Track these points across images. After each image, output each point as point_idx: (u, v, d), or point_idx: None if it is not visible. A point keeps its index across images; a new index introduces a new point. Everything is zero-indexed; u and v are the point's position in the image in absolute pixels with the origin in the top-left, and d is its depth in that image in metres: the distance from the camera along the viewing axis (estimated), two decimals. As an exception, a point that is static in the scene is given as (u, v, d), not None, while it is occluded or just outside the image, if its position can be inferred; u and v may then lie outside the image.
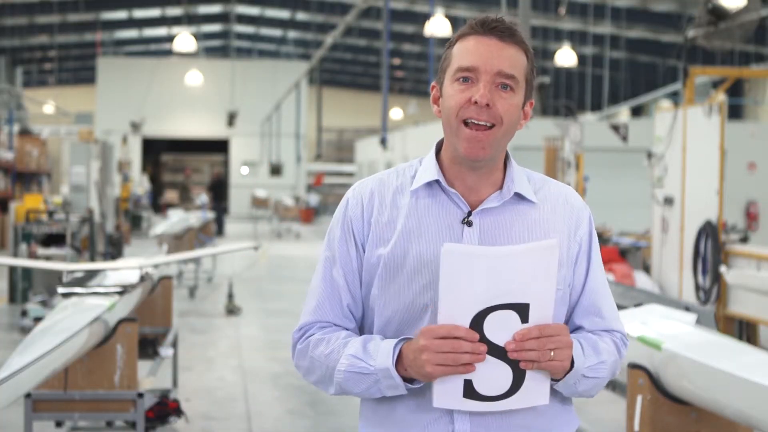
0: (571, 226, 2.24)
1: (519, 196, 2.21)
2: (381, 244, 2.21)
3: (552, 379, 2.10)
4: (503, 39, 2.16)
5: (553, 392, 2.16)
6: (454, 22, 20.59)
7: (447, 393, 2.05)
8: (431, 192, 2.22)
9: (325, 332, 2.24)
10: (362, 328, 2.29)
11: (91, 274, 6.62)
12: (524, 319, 2.02)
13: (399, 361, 2.10)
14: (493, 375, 2.04)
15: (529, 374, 2.05)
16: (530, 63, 2.21)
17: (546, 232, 2.19)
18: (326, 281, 2.27)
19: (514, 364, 2.03)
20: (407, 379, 2.11)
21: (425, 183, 2.22)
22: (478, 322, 2.01)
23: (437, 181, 2.22)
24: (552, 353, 2.02)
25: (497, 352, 2.02)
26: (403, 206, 2.22)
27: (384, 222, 2.23)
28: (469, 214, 2.18)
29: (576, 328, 2.26)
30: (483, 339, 2.02)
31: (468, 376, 2.03)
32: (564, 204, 2.25)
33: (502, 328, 2.02)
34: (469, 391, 2.05)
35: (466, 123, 2.14)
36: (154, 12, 34.23)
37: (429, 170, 2.23)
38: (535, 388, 2.07)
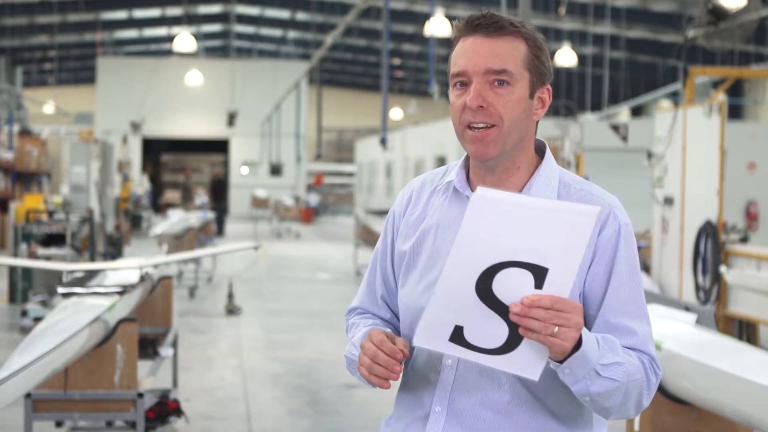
0: (593, 235, 2.09)
1: None
2: (405, 241, 2.25)
3: (555, 362, 1.96)
4: (489, 34, 2.10)
5: (552, 415, 2.09)
6: (454, 22, 20.57)
7: (432, 333, 1.95)
8: (458, 192, 2.22)
9: (360, 317, 2.33)
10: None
11: (91, 274, 6.62)
12: (539, 284, 1.87)
13: None
14: (487, 328, 1.92)
15: (525, 342, 1.91)
16: (533, 49, 2.12)
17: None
18: (370, 272, 2.36)
19: (512, 327, 1.90)
20: None
21: (449, 183, 2.23)
22: (489, 274, 1.88)
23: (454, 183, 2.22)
24: (556, 329, 1.87)
25: (499, 308, 1.90)
26: (434, 205, 2.24)
27: (412, 220, 2.26)
28: None
29: None
30: (488, 293, 1.89)
31: (460, 322, 1.92)
32: None
33: (512, 287, 1.88)
34: (458, 337, 1.94)
35: (469, 127, 2.11)
36: (154, 12, 34.23)
37: (453, 171, 2.24)
38: (529, 358, 1.93)
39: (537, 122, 2.19)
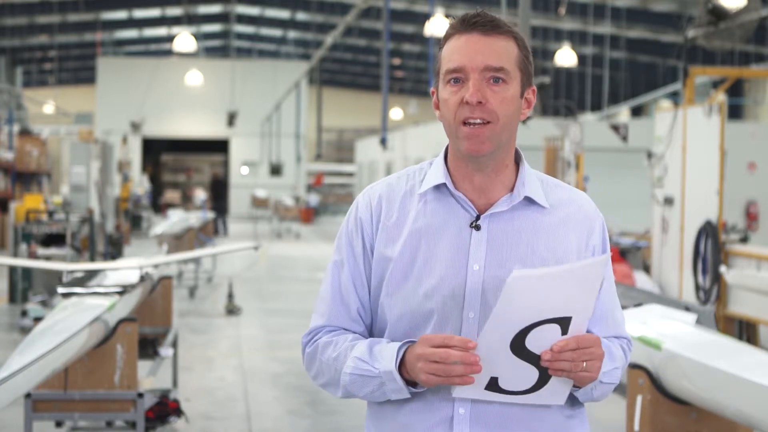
0: (583, 233, 2.20)
1: (529, 200, 2.18)
2: (388, 247, 2.19)
3: (574, 386, 2.10)
4: (486, 32, 2.13)
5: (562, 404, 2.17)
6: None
7: (470, 385, 2.05)
8: (440, 195, 2.20)
9: (333, 335, 2.22)
10: (372, 332, 2.26)
11: (91, 274, 6.62)
12: (565, 331, 2.02)
13: (402, 364, 2.08)
14: (519, 375, 2.05)
15: (554, 377, 2.06)
16: (522, 50, 2.16)
17: (554, 238, 2.16)
18: (335, 285, 2.25)
19: (542, 369, 2.04)
20: (411, 382, 2.09)
21: (433, 186, 2.20)
22: (522, 333, 2.01)
23: (444, 185, 2.19)
24: (584, 364, 2.02)
25: (531, 357, 2.03)
26: (411, 210, 2.20)
27: (391, 225, 2.21)
28: (478, 218, 2.16)
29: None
30: (521, 348, 2.02)
31: (494, 374, 2.04)
32: (577, 210, 2.21)
33: (543, 340, 2.02)
34: (493, 385, 2.06)
35: (464, 123, 2.12)
36: (154, 12, 34.23)
37: (437, 173, 2.21)
38: (556, 389, 2.08)
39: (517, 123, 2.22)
